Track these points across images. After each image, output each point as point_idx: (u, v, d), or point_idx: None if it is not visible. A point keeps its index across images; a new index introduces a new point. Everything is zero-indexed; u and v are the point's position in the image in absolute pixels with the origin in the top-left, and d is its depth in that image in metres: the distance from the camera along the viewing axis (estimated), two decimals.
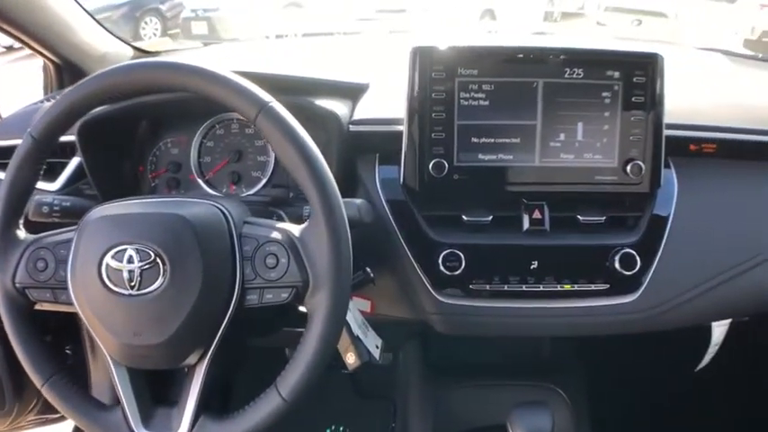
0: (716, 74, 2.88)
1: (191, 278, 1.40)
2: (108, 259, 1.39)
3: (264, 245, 1.46)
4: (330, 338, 1.42)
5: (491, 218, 1.90)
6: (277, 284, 1.45)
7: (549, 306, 1.91)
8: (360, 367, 1.81)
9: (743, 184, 2.06)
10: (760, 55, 3.80)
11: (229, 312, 1.45)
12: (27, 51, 2.50)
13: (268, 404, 1.43)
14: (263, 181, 2.12)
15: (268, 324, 1.76)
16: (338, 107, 1.98)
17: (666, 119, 1.89)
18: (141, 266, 1.38)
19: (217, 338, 1.46)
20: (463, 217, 1.90)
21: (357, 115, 2.02)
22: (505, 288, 1.88)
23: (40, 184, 1.98)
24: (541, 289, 1.88)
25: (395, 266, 1.94)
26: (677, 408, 3.11)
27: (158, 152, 2.18)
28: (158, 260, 1.39)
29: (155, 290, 1.39)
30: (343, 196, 1.48)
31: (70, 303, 1.48)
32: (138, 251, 1.39)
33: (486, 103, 1.85)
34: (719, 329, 2.57)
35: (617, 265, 1.86)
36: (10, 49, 11.42)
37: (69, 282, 1.46)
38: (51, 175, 2.11)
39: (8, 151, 1.60)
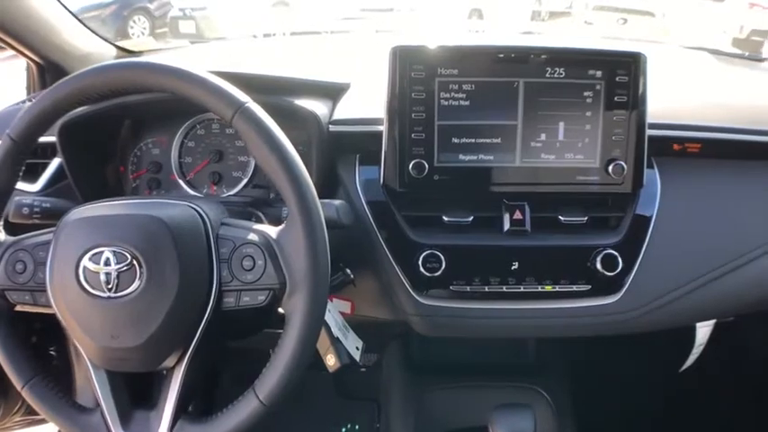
0: (702, 73, 2.88)
1: (167, 280, 1.39)
2: (85, 261, 1.39)
3: (241, 247, 1.45)
4: (308, 341, 1.41)
5: (472, 218, 1.90)
6: (254, 287, 1.45)
7: (529, 307, 1.91)
8: (342, 369, 1.80)
9: (727, 184, 2.05)
10: (747, 54, 3.80)
11: (206, 315, 1.44)
12: (11, 51, 2.49)
13: (246, 407, 1.43)
14: (244, 181, 2.11)
15: (248, 326, 1.75)
16: (318, 107, 1.96)
17: (650, 118, 1.88)
18: (118, 269, 1.38)
19: (194, 341, 1.45)
20: (444, 218, 1.90)
21: (337, 115, 2.00)
22: (486, 289, 1.87)
23: (22, 185, 1.98)
24: (522, 290, 1.88)
25: (375, 267, 1.93)
26: (662, 408, 3.11)
27: (139, 152, 2.16)
28: (135, 262, 1.38)
29: (131, 292, 1.39)
30: (324, 197, 1.48)
31: (49, 306, 1.47)
32: (114, 253, 1.38)
33: (467, 103, 1.84)
34: (704, 330, 2.56)
35: (598, 266, 1.85)
36: None
37: (48, 284, 1.46)
38: (32, 176, 2.09)
39: None
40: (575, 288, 1.88)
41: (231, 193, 2.11)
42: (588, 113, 1.86)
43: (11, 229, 1.62)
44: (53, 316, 1.49)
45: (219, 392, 2.73)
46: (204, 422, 1.47)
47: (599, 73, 1.84)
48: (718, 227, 2.01)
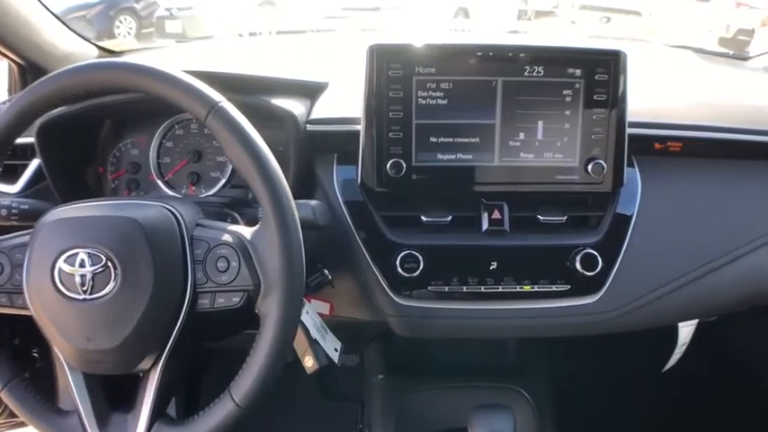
0: (685, 71, 2.87)
1: (142, 282, 1.39)
2: (61, 263, 1.39)
3: (215, 248, 1.45)
4: (282, 343, 1.41)
5: (450, 218, 1.90)
6: (228, 288, 1.45)
7: (508, 307, 1.90)
8: (322, 369, 1.79)
9: (709, 183, 2.05)
10: (731, 52, 3.80)
11: (181, 317, 1.44)
12: None
13: (222, 409, 1.43)
14: (222, 181, 2.11)
15: (225, 327, 1.73)
16: (295, 106, 1.95)
17: (632, 117, 1.87)
18: (93, 270, 1.38)
19: (170, 343, 1.45)
20: (422, 217, 1.89)
21: (315, 115, 1.99)
22: (464, 289, 1.86)
23: (1, 187, 1.97)
24: (501, 290, 1.87)
25: (353, 268, 1.92)
26: (644, 408, 3.12)
27: (118, 153, 2.15)
28: (109, 264, 1.38)
29: (106, 294, 1.38)
30: (302, 197, 1.47)
31: (26, 308, 1.47)
32: (89, 255, 1.38)
33: (445, 102, 1.83)
34: (686, 329, 2.56)
35: (578, 266, 1.84)
36: None
37: (25, 286, 1.46)
38: (12, 177, 2.08)
39: None
40: (554, 288, 1.88)
41: (210, 193, 2.10)
42: (567, 112, 1.85)
43: None
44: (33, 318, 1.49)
45: (205, 392, 2.72)
46: (181, 424, 1.47)
47: (578, 71, 1.83)
48: (700, 226, 2.00)
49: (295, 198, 1.46)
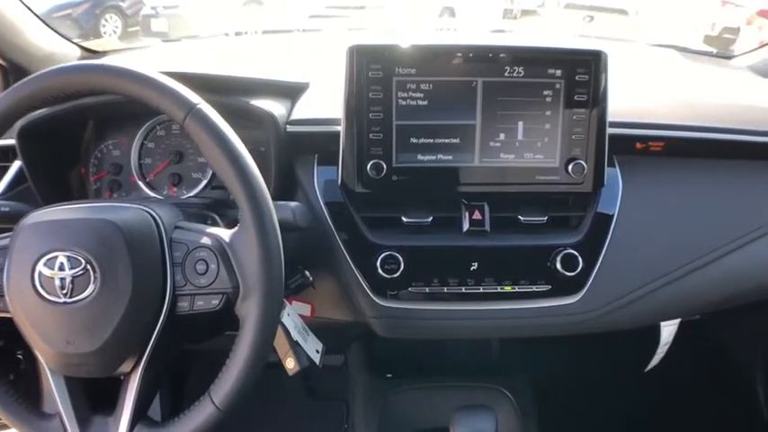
0: (668, 71, 2.88)
1: (121, 285, 1.39)
2: (41, 266, 1.38)
3: (194, 250, 1.45)
4: (262, 345, 1.41)
5: (431, 219, 1.89)
6: (207, 291, 1.45)
7: (489, 308, 1.90)
8: (306, 370, 1.79)
9: (690, 182, 2.05)
10: (715, 51, 3.81)
11: (161, 320, 1.44)
12: None
13: (202, 412, 1.43)
14: (204, 182, 2.10)
15: (205, 329, 1.73)
16: (275, 107, 1.94)
17: (613, 117, 1.88)
18: (73, 273, 1.37)
19: (150, 346, 1.45)
20: (403, 218, 1.89)
21: (295, 115, 1.98)
22: (445, 290, 1.86)
23: None
24: (481, 291, 1.87)
25: (334, 269, 1.92)
26: (626, 408, 3.12)
27: (100, 154, 2.14)
28: (89, 267, 1.38)
29: (86, 297, 1.38)
30: (283, 198, 1.47)
31: (6, 311, 1.46)
32: (69, 258, 1.38)
33: (425, 102, 1.82)
34: (669, 329, 2.56)
35: (558, 266, 1.85)
36: None
37: (5, 289, 1.45)
38: None
39: None
40: (535, 288, 1.88)
41: (191, 194, 2.10)
42: (548, 113, 1.85)
43: None
44: None
45: (190, 393, 2.72)
46: (161, 427, 1.47)
47: (559, 72, 1.83)
48: (682, 225, 2.00)
49: (276, 199, 1.46)
